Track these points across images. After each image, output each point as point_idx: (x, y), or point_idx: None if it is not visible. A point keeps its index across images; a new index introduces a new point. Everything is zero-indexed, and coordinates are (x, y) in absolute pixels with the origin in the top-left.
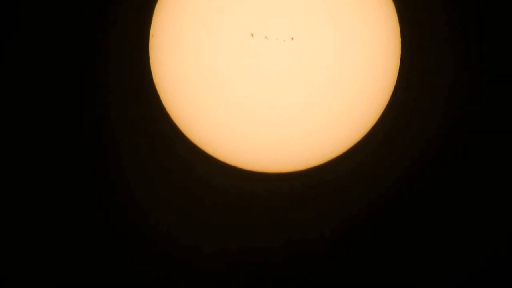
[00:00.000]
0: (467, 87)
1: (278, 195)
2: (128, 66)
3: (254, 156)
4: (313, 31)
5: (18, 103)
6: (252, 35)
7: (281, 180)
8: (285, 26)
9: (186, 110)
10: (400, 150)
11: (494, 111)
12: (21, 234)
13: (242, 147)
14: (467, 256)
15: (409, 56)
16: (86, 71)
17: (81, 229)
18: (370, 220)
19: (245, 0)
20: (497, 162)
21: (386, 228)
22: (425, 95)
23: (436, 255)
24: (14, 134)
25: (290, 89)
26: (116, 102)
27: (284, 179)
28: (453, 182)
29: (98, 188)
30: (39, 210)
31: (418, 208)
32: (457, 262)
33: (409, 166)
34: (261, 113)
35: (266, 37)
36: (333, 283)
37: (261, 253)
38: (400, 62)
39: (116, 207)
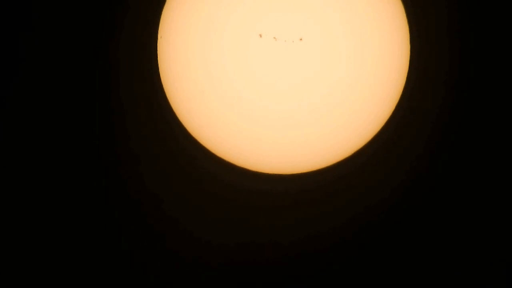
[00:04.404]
0: (475, 90)
1: (284, 196)
2: (136, 67)
3: (261, 157)
4: (322, 32)
5: (27, 104)
6: (260, 36)
7: (287, 181)
8: (294, 27)
9: (194, 110)
10: (408, 152)
11: (504, 116)
12: (22, 232)
13: (248, 148)
14: (470, 258)
15: (418, 57)
16: (95, 72)
17: (88, 225)
18: (376, 222)
19: (254, 1)
20: (504, 166)
21: (391, 230)
22: (433, 96)
23: (439, 256)
24: (22, 133)
25: (298, 90)
26: (124, 103)
27: (291, 180)
28: (460, 184)
29: (108, 182)
30: (41, 208)
31: (423, 210)
32: (461, 264)
33: (415, 168)
34: (268, 114)
35: (274, 38)
36: (337, 284)
37: (264, 253)
38: (409, 63)
39: (123, 204)
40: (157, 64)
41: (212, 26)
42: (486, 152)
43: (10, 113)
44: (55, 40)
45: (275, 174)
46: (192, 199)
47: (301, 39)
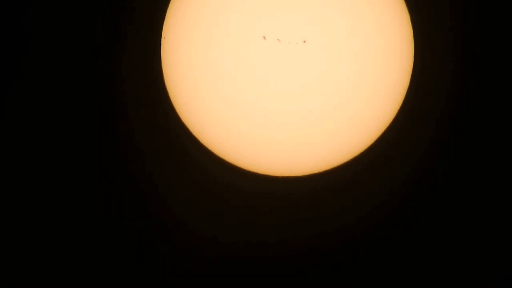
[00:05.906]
0: (479, 89)
1: (287, 198)
2: (139, 67)
3: (265, 159)
4: (326, 34)
5: (27, 104)
6: (264, 37)
7: (291, 183)
8: (298, 29)
9: (197, 112)
10: (412, 153)
11: (508, 116)
12: (22, 232)
13: (252, 150)
14: (470, 258)
15: (422, 58)
16: (98, 73)
17: (88, 224)
18: (378, 223)
19: (258, 3)
20: (509, 168)
21: (391, 231)
22: (437, 97)
23: (439, 256)
24: (22, 133)
25: (301, 91)
26: (127, 103)
27: (294, 182)
28: (464, 185)
29: (109, 182)
30: (41, 208)
31: (424, 210)
32: (461, 264)
33: (419, 169)
34: (272, 116)
35: (278, 40)
36: (339, 284)
37: (266, 255)
38: (413, 63)
39: (124, 204)
40: (161, 65)
41: (216, 27)
42: (489, 150)
43: (10, 113)
44: (57, 40)
45: (279, 176)
46: (193, 200)
47: (304, 41)
